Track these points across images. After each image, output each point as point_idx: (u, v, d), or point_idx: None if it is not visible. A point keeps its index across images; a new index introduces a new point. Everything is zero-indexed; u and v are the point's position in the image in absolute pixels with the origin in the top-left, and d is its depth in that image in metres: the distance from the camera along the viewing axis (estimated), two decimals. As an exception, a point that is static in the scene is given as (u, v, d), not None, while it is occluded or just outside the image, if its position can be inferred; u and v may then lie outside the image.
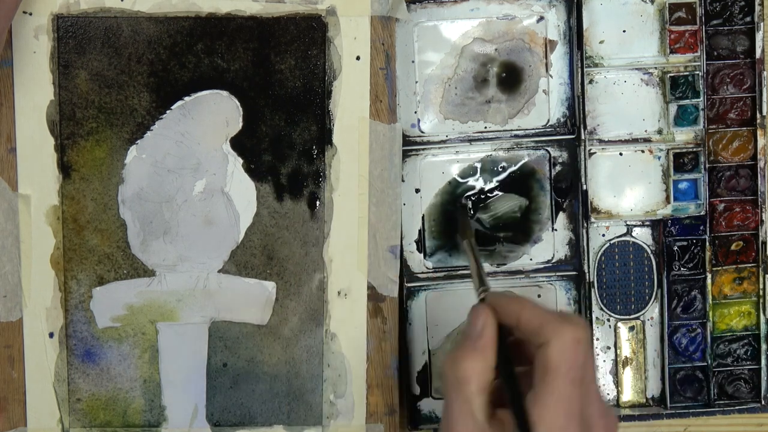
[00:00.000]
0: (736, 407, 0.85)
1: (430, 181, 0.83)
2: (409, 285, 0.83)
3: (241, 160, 0.79)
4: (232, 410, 0.81)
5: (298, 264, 0.80)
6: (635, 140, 0.83)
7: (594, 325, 0.84)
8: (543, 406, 0.62)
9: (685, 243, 0.84)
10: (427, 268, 0.84)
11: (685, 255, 0.84)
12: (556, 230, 0.84)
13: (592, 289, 0.84)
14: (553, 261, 0.84)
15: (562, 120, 0.83)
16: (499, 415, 0.66)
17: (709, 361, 0.84)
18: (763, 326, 0.84)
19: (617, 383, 0.85)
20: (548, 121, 0.83)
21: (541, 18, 0.82)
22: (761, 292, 0.84)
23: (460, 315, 0.84)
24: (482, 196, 0.83)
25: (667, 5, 0.82)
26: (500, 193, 0.83)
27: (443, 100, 0.83)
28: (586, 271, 0.83)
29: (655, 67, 0.83)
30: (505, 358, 0.66)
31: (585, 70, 0.82)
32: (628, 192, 0.84)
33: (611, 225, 0.84)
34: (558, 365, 0.63)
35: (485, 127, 0.83)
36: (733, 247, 0.84)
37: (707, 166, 0.83)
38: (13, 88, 0.76)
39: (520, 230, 0.84)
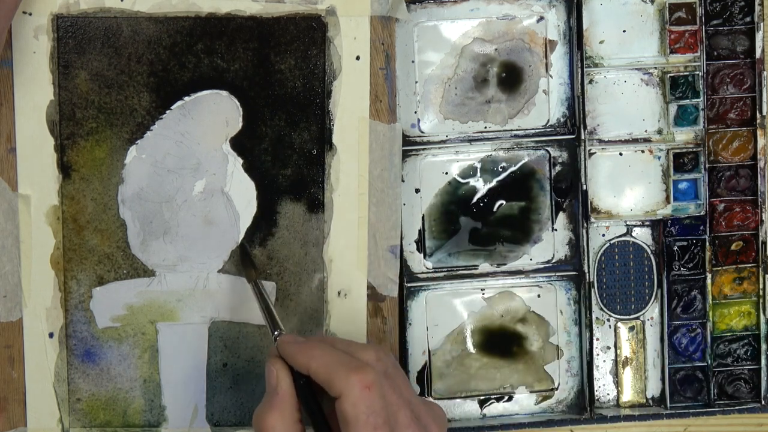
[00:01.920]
0: (736, 407, 0.85)
1: (430, 181, 0.83)
2: (409, 285, 0.83)
3: (241, 160, 0.79)
4: (232, 410, 0.81)
5: (298, 264, 0.80)
6: (635, 140, 0.83)
7: (594, 325, 0.84)
8: None
9: (685, 243, 0.84)
10: (427, 268, 0.84)
11: (685, 255, 0.84)
12: (556, 230, 0.84)
13: (592, 289, 0.84)
14: (553, 261, 0.84)
15: (562, 120, 0.83)
16: None
17: (709, 361, 0.84)
18: (763, 326, 0.84)
19: (617, 383, 0.85)
20: (548, 121, 0.83)
21: (541, 18, 0.82)
22: (761, 292, 0.84)
23: (460, 315, 0.84)
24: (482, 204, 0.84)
25: (667, 5, 0.82)
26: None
27: (443, 100, 0.83)
28: (586, 271, 0.83)
29: (655, 67, 0.83)
30: (311, 406, 0.68)
31: (585, 70, 0.82)
32: (628, 192, 0.84)
33: (611, 225, 0.84)
34: (356, 416, 0.64)
35: (485, 127, 0.83)
36: (733, 247, 0.84)
37: (707, 166, 0.83)
38: (13, 89, 0.76)
39: (520, 230, 0.84)
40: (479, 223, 0.84)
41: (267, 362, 0.69)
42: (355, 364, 0.65)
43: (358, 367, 0.65)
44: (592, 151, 0.83)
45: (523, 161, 0.84)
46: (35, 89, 0.77)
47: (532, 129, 0.83)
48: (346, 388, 0.64)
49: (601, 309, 0.84)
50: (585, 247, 0.83)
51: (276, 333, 0.72)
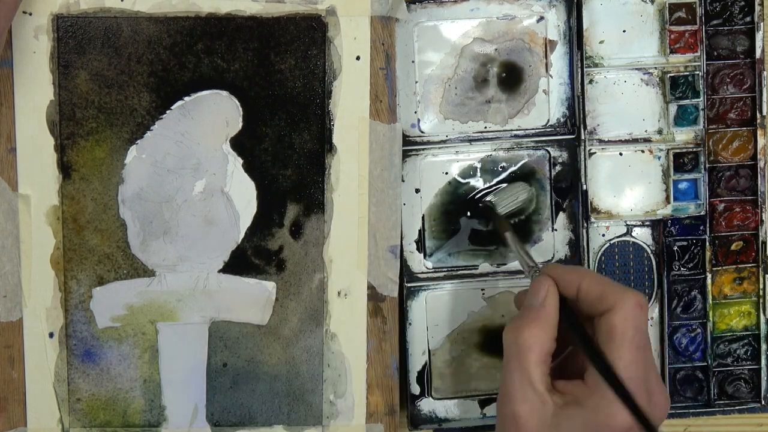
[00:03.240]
0: (736, 407, 0.85)
1: (430, 181, 0.83)
2: (409, 285, 0.83)
3: (241, 160, 0.79)
4: (232, 410, 0.81)
5: (298, 264, 0.80)
6: (635, 140, 0.83)
7: (594, 325, 0.84)
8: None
9: (685, 243, 0.84)
10: (427, 268, 0.84)
11: (685, 255, 0.84)
12: (556, 230, 0.84)
13: (592, 289, 0.84)
14: (554, 261, 0.84)
15: (562, 120, 0.83)
16: (559, 386, 0.67)
17: (709, 361, 0.84)
18: (763, 326, 0.84)
19: (617, 383, 0.85)
20: (548, 121, 0.83)
21: (541, 18, 0.82)
22: (761, 292, 0.84)
23: (460, 315, 0.84)
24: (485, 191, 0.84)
25: (667, 5, 0.82)
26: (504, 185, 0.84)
27: (443, 100, 0.83)
28: (586, 271, 0.83)
29: (655, 67, 0.83)
30: (572, 321, 0.68)
31: (585, 70, 0.82)
32: (628, 192, 0.84)
33: (611, 225, 0.84)
34: (624, 331, 0.64)
35: (485, 127, 0.83)
36: (733, 247, 0.84)
37: (707, 166, 0.83)
38: (13, 88, 0.76)
39: (520, 230, 0.84)
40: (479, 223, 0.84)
41: (536, 278, 0.69)
42: (627, 287, 0.66)
43: (631, 289, 0.66)
44: (592, 151, 0.83)
45: (523, 161, 0.84)
46: (35, 89, 0.77)
47: (532, 129, 0.83)
48: (621, 302, 0.65)
49: (601, 309, 0.84)
50: (585, 247, 0.83)
51: (534, 265, 0.73)
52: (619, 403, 0.63)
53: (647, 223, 0.84)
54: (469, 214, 0.83)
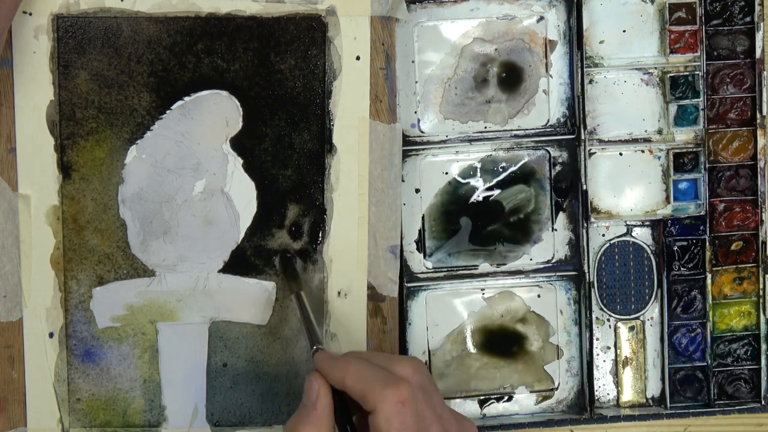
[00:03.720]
0: (736, 407, 0.85)
1: (430, 181, 0.83)
2: (409, 285, 0.83)
3: (241, 160, 0.79)
4: (232, 410, 0.81)
5: (298, 264, 0.80)
6: (635, 140, 0.83)
7: (594, 325, 0.84)
8: None
9: (685, 243, 0.84)
10: (427, 268, 0.84)
11: (685, 255, 0.84)
12: (556, 230, 0.84)
13: (592, 289, 0.84)
14: (553, 261, 0.84)
15: (562, 120, 0.83)
16: None
17: (709, 361, 0.84)
18: (763, 326, 0.84)
19: (617, 383, 0.85)
20: (548, 121, 0.83)
21: (541, 18, 0.83)
22: (761, 292, 0.84)
23: (460, 315, 0.84)
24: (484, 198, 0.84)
25: (667, 5, 0.82)
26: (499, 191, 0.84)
27: (443, 100, 0.83)
28: (586, 271, 0.83)
29: (655, 67, 0.83)
30: (345, 424, 0.68)
31: (585, 70, 0.82)
32: (628, 192, 0.84)
33: (611, 225, 0.84)
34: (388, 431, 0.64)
35: (485, 127, 0.83)
36: (733, 247, 0.84)
37: (707, 166, 0.83)
38: (13, 88, 0.76)
39: (520, 230, 0.84)
40: (479, 222, 0.84)
41: (309, 376, 0.69)
42: (390, 379, 0.66)
43: (393, 382, 0.65)
44: (592, 151, 0.83)
45: (523, 161, 0.84)
46: (35, 89, 0.77)
47: (532, 129, 0.83)
48: (381, 403, 0.64)
49: (601, 309, 0.84)
50: (585, 247, 0.83)
51: (315, 348, 0.72)
52: None
53: (647, 223, 0.84)
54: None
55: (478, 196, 0.83)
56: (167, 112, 0.78)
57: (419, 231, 0.84)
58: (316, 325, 0.75)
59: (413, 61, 0.82)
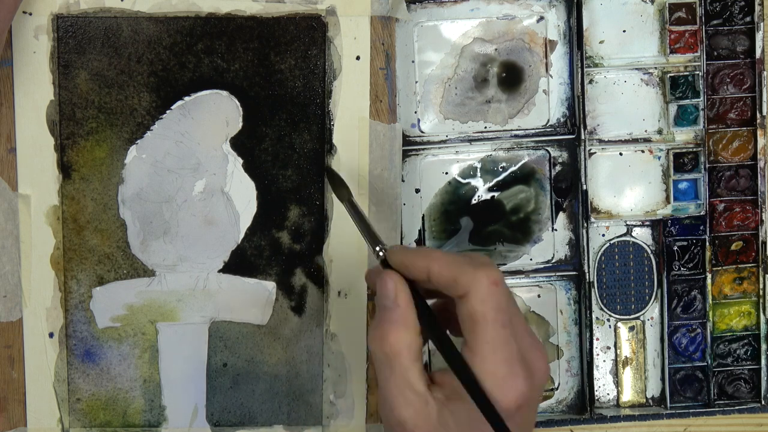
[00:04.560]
0: (736, 407, 0.85)
1: (430, 181, 0.83)
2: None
3: (241, 160, 0.79)
4: (232, 410, 0.81)
5: (298, 265, 0.80)
6: (635, 140, 0.83)
7: (594, 325, 0.84)
8: (482, 359, 0.61)
9: (685, 243, 0.84)
10: (427, 268, 0.84)
11: (685, 255, 0.84)
12: (556, 230, 0.84)
13: (592, 289, 0.84)
14: (553, 261, 0.84)
15: (562, 120, 0.83)
16: (437, 378, 0.64)
17: (709, 361, 0.84)
18: (763, 326, 0.84)
19: (617, 383, 0.85)
20: (548, 121, 0.83)
21: (541, 18, 0.83)
22: (761, 292, 0.84)
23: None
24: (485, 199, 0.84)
25: (667, 5, 0.82)
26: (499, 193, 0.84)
27: (443, 100, 0.83)
28: (586, 271, 0.83)
29: (655, 67, 0.83)
30: (428, 320, 0.64)
31: (585, 70, 0.82)
32: (628, 192, 0.84)
33: (611, 225, 0.84)
34: (484, 314, 0.61)
35: (485, 127, 0.83)
36: (733, 247, 0.84)
37: (707, 166, 0.83)
38: (13, 88, 0.76)
39: (520, 230, 0.84)
40: (479, 222, 0.84)
41: (378, 277, 0.65)
42: (480, 262, 0.62)
43: (484, 263, 0.62)
44: (592, 151, 0.83)
45: (523, 161, 0.84)
46: (35, 89, 0.77)
47: (532, 129, 0.83)
48: (475, 284, 0.61)
49: (601, 309, 0.84)
50: (585, 247, 0.83)
51: (379, 248, 0.67)
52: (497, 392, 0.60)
53: (647, 223, 0.84)
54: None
55: (478, 196, 0.83)
56: (167, 112, 0.78)
57: (419, 231, 0.84)
58: (373, 226, 0.71)
59: (413, 61, 0.82)
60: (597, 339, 0.85)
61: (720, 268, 0.84)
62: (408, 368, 0.63)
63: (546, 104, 0.83)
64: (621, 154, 0.83)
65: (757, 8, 0.82)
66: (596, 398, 0.85)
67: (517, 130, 0.83)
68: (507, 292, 0.62)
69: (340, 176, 0.78)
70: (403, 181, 0.82)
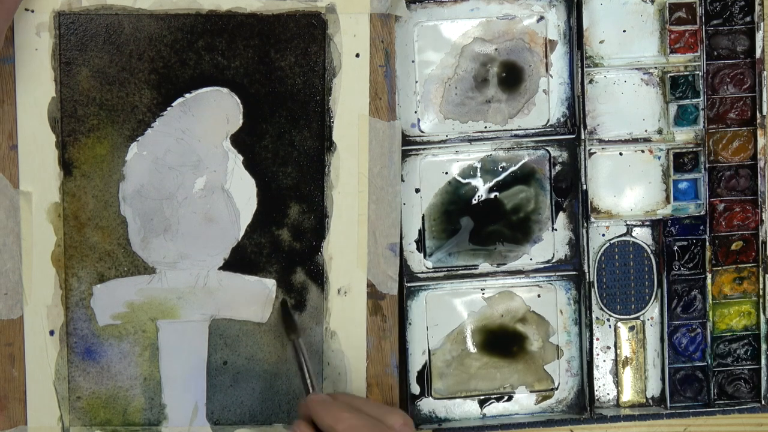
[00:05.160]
0: (736, 407, 0.85)
1: (430, 180, 0.83)
2: (409, 285, 0.83)
3: (241, 157, 0.79)
4: (232, 408, 0.81)
5: (298, 263, 0.80)
6: (635, 140, 0.83)
7: (594, 324, 0.84)
8: None
9: (685, 243, 0.84)
10: (427, 268, 0.84)
11: (685, 255, 0.84)
12: (556, 230, 0.84)
13: (592, 289, 0.84)
14: (553, 261, 0.85)
15: (562, 120, 0.84)
16: None
17: (709, 361, 0.84)
18: (763, 326, 0.84)
19: (617, 383, 0.85)
20: (548, 120, 0.83)
21: (541, 18, 0.83)
22: (761, 292, 0.84)
23: (460, 315, 0.84)
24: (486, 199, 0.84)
25: (667, 5, 0.82)
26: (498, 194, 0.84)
27: (443, 99, 0.83)
28: (586, 271, 0.83)
29: (655, 67, 0.83)
30: None
31: (585, 70, 0.82)
32: (628, 192, 0.84)
33: (611, 225, 0.84)
34: None
35: (485, 127, 0.83)
36: (733, 247, 0.84)
37: (707, 166, 0.83)
38: (15, 85, 0.77)
39: (520, 230, 0.84)
40: (479, 222, 0.84)
41: (294, 423, 0.71)
42: (390, 410, 0.68)
43: (391, 412, 0.68)
44: (592, 151, 0.83)
45: (523, 161, 0.84)
46: (37, 86, 0.77)
47: (532, 129, 0.84)
48: None
49: (601, 309, 0.84)
50: (585, 246, 0.83)
51: (309, 396, 0.73)
52: None
53: (647, 223, 0.84)
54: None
55: (478, 196, 0.83)
56: (168, 109, 0.78)
57: (419, 231, 0.84)
58: (313, 372, 0.76)
59: (413, 61, 0.83)
60: (597, 339, 0.85)
61: (720, 268, 0.84)
62: None
63: (546, 104, 0.83)
64: (621, 154, 0.84)
65: (757, 8, 0.82)
66: (596, 398, 0.85)
67: (517, 130, 0.83)
68: None
69: (293, 315, 0.80)
70: (403, 180, 0.82)
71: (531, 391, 0.85)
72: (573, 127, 0.83)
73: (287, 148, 0.79)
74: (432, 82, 0.83)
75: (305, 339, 0.80)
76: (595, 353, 0.85)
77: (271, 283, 0.80)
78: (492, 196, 0.84)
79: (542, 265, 0.85)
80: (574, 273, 0.84)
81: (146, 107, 0.78)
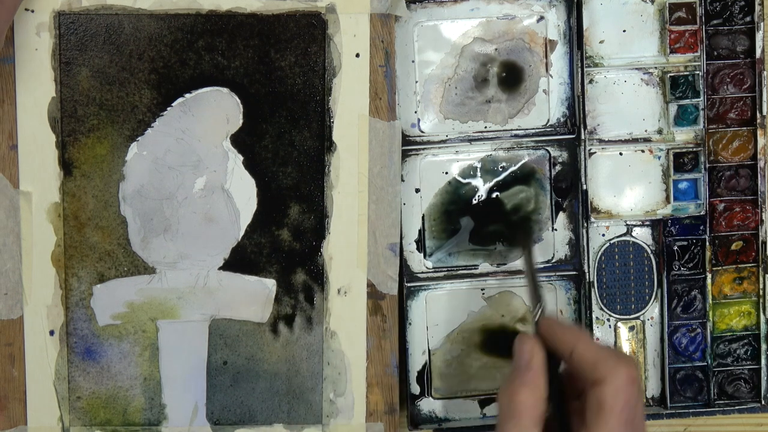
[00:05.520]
0: (736, 407, 0.85)
1: (430, 180, 0.83)
2: (409, 285, 0.83)
3: (241, 157, 0.79)
4: (232, 409, 0.81)
5: (297, 262, 0.80)
6: (635, 140, 0.83)
7: (594, 324, 0.84)
8: None
9: (685, 243, 0.84)
10: (427, 268, 0.84)
11: (685, 255, 0.84)
12: (556, 230, 0.84)
13: (592, 289, 0.84)
14: (553, 261, 0.84)
15: (562, 120, 0.83)
16: None
17: (709, 361, 0.84)
18: (763, 326, 0.84)
19: (617, 383, 0.85)
20: (548, 120, 0.83)
21: (541, 18, 0.83)
22: (761, 292, 0.84)
23: (460, 315, 0.84)
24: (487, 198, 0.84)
25: (667, 5, 0.82)
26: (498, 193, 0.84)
27: (443, 99, 0.83)
28: (586, 270, 0.83)
29: (655, 67, 0.83)
30: (555, 390, 0.68)
31: (585, 70, 0.82)
32: (628, 192, 0.84)
33: (611, 225, 0.84)
34: (613, 405, 0.64)
35: (485, 127, 0.83)
36: (733, 247, 0.84)
37: (707, 166, 0.83)
38: (15, 85, 0.77)
39: (520, 230, 0.84)
40: (479, 222, 0.84)
41: (523, 338, 0.69)
42: (623, 356, 0.66)
43: (626, 359, 0.66)
44: (592, 151, 0.83)
45: (523, 161, 0.84)
46: (37, 86, 0.77)
47: (532, 129, 0.84)
48: (612, 375, 0.65)
49: (601, 309, 0.84)
50: (585, 246, 0.83)
51: (539, 309, 0.72)
52: None
53: (647, 223, 0.84)
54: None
55: (478, 196, 0.83)
56: (168, 109, 0.78)
57: (419, 231, 0.84)
58: (540, 284, 0.76)
59: (413, 61, 0.83)
60: (597, 339, 0.85)
61: (720, 268, 0.84)
62: (528, 428, 0.66)
63: (546, 104, 0.83)
64: (621, 153, 0.84)
65: (757, 8, 0.82)
66: (596, 398, 0.85)
67: (517, 129, 0.83)
68: (639, 394, 0.66)
69: (532, 226, 0.82)
70: (403, 180, 0.82)
71: (531, 391, 0.85)
72: (573, 127, 0.83)
73: (287, 148, 0.79)
74: (432, 82, 0.83)
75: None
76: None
77: (271, 283, 0.80)
78: (492, 195, 0.84)
79: (542, 265, 0.84)
80: (574, 273, 0.84)
81: (146, 107, 0.78)
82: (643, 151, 0.84)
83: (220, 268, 0.80)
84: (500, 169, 0.84)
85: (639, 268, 0.84)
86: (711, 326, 0.84)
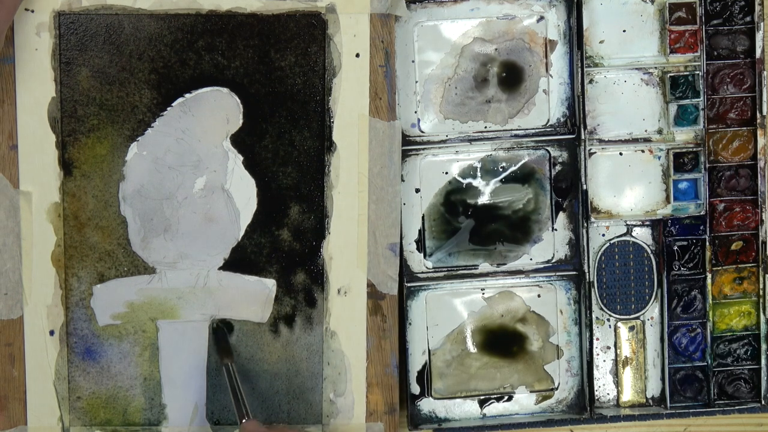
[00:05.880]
0: (736, 407, 0.85)
1: (430, 180, 0.83)
2: (409, 285, 0.83)
3: (241, 157, 0.79)
4: (232, 408, 0.81)
5: (297, 263, 0.80)
6: (635, 140, 0.83)
7: (594, 324, 0.84)
8: None
9: (685, 243, 0.84)
10: (427, 268, 0.84)
11: (685, 255, 0.84)
12: (556, 230, 0.84)
13: (592, 289, 0.84)
14: (553, 261, 0.84)
15: (562, 120, 0.83)
16: None
17: (709, 361, 0.84)
18: (763, 326, 0.84)
19: (617, 383, 0.85)
20: (548, 120, 0.83)
21: (541, 18, 0.83)
22: (761, 292, 0.84)
23: (460, 315, 0.84)
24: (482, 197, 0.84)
25: (667, 5, 0.82)
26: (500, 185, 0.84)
27: (443, 99, 0.83)
28: (586, 270, 0.83)
29: (655, 67, 0.83)
30: None
31: (585, 69, 0.82)
32: (628, 192, 0.84)
33: (611, 225, 0.84)
34: None
35: (485, 127, 0.83)
36: (733, 247, 0.84)
37: (707, 166, 0.83)
38: (15, 85, 0.77)
39: (520, 230, 0.84)
40: (479, 222, 0.84)
41: None
42: None
43: None
44: (592, 151, 0.83)
45: (523, 161, 0.84)
46: (37, 86, 0.77)
47: (532, 129, 0.84)
48: None
49: (601, 309, 0.84)
50: (585, 246, 0.83)
51: (244, 421, 0.74)
52: None
53: (647, 223, 0.84)
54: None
55: (478, 196, 0.83)
56: (168, 109, 0.78)
57: (419, 231, 0.84)
58: (244, 397, 0.76)
59: (413, 61, 0.83)
60: (597, 339, 0.85)
61: (720, 268, 0.84)
62: None
63: (546, 104, 0.83)
64: (621, 154, 0.84)
65: (757, 8, 0.82)
66: (596, 398, 0.85)
67: (517, 129, 0.83)
68: None
69: (228, 339, 0.81)
70: (403, 180, 0.82)
71: (531, 391, 0.85)
72: (573, 127, 0.83)
73: (287, 148, 0.79)
74: (432, 82, 0.83)
75: (237, 365, 0.80)
76: (595, 353, 0.85)
77: (271, 283, 0.80)
78: (492, 195, 0.84)
79: (542, 265, 0.85)
80: (574, 273, 0.84)
81: (146, 107, 0.78)
82: (643, 151, 0.84)
83: (220, 268, 0.80)
84: (500, 169, 0.84)
85: (639, 268, 0.84)
86: (711, 326, 0.84)
